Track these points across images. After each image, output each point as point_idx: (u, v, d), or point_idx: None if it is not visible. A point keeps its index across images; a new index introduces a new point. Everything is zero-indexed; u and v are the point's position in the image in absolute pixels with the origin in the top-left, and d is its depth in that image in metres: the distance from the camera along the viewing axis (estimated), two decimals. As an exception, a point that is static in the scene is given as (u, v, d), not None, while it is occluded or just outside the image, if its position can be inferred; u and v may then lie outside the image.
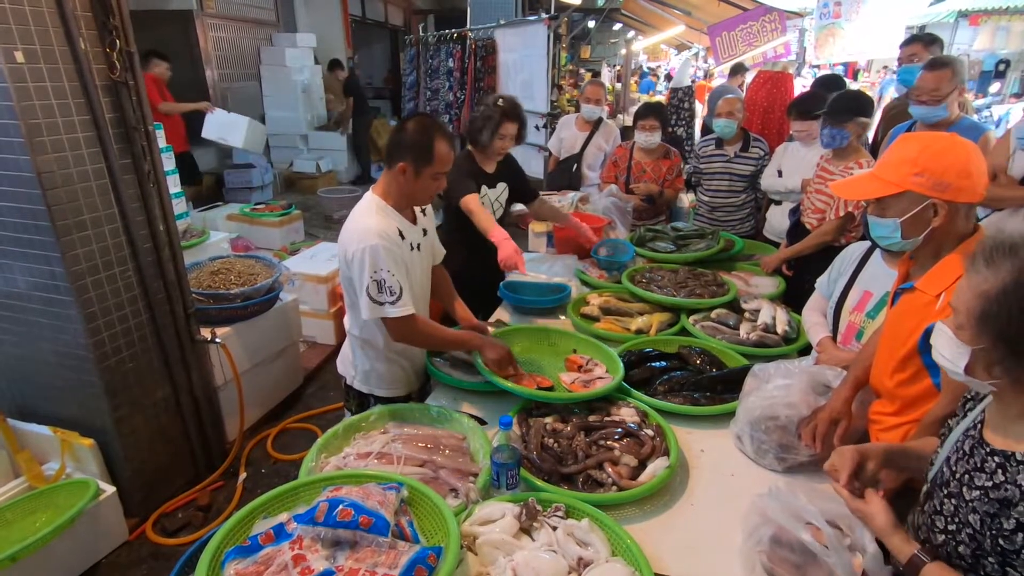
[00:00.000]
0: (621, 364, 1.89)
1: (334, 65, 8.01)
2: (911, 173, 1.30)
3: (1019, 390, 0.96)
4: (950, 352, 1.01)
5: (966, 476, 1.01)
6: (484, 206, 2.59)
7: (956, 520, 1.01)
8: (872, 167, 1.55)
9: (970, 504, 0.98)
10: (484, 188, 2.67)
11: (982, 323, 0.94)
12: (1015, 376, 0.94)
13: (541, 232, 3.28)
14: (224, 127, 5.54)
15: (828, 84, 3.86)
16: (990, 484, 0.96)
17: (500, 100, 2.56)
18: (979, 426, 1.05)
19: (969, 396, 1.15)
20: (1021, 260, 0.92)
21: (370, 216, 1.73)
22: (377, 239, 1.67)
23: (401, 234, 1.79)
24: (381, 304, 1.68)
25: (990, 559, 0.95)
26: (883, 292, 1.74)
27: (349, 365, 2.03)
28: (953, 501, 1.03)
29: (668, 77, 12.20)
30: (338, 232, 1.81)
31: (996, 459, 0.97)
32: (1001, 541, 0.92)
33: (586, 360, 1.98)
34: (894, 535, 1.08)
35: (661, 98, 9.23)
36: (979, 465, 1.00)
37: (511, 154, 2.78)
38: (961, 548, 1.00)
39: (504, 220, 2.90)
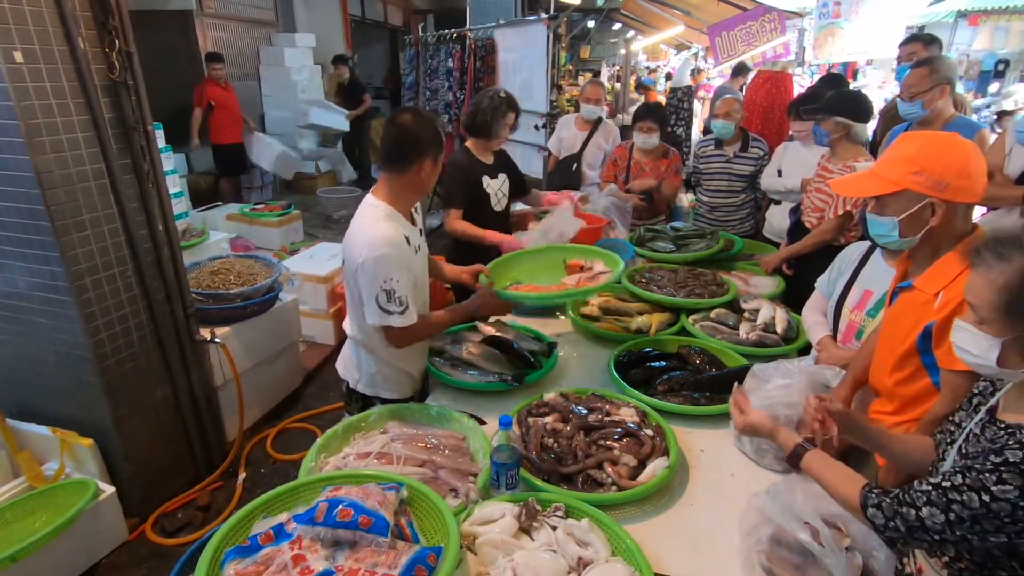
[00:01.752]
0: (621, 261, 2.09)
1: (337, 61, 7.99)
2: (910, 172, 1.30)
3: None
4: (977, 348, 1.02)
5: (980, 457, 1.02)
6: (490, 196, 2.74)
7: None
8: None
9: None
10: (487, 179, 2.72)
11: (1008, 313, 0.97)
12: None
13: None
14: (261, 155, 6.40)
15: (830, 83, 3.86)
16: (1018, 459, 0.97)
17: (502, 92, 2.68)
18: (992, 412, 1.06)
19: (977, 391, 1.15)
20: None
21: (379, 223, 1.71)
22: (388, 248, 1.67)
23: (407, 240, 1.77)
24: (389, 313, 1.71)
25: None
26: (883, 291, 1.74)
27: (352, 368, 1.99)
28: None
29: (668, 76, 12.22)
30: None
31: (1015, 434, 0.98)
32: None
33: (585, 262, 2.20)
34: (779, 432, 1.32)
35: (660, 96, 9.21)
36: (992, 440, 1.01)
37: (504, 148, 2.86)
38: None
39: (507, 214, 2.91)
